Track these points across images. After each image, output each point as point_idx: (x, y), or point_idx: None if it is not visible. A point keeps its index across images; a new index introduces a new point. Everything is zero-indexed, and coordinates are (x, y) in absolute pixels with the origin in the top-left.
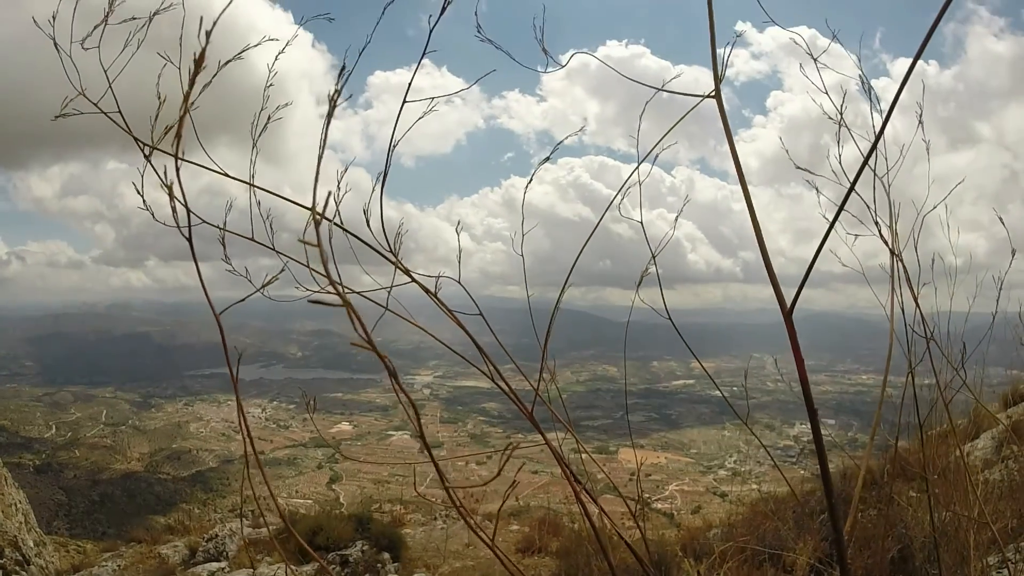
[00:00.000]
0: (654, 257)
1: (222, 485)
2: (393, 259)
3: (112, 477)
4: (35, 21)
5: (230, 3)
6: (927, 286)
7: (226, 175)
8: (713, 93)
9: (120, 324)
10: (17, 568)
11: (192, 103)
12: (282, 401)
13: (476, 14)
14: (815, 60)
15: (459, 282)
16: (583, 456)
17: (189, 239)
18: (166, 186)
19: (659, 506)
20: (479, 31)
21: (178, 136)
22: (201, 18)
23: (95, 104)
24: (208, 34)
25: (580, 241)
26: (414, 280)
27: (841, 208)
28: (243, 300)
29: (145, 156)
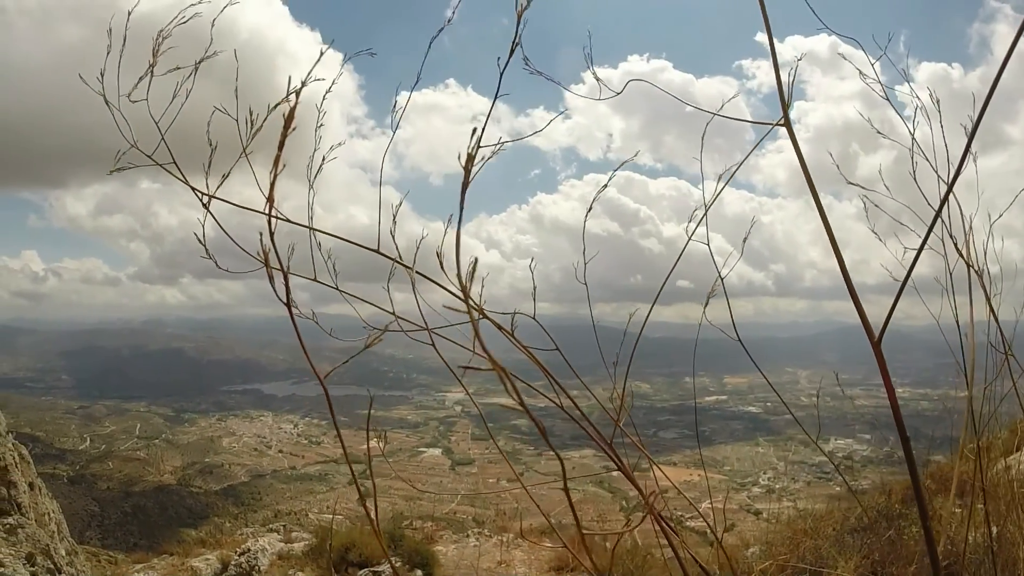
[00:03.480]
0: (720, 278)
1: (253, 499)
2: (470, 301)
3: (145, 489)
4: (82, 78)
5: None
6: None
7: (290, 222)
8: (783, 121)
9: (154, 340)
10: None
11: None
12: (314, 417)
13: (520, 45)
14: (866, 65)
15: (535, 318)
16: (653, 470)
17: (272, 272)
18: (224, 231)
19: (691, 524)
20: (527, 63)
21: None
22: (288, 78)
23: (149, 156)
24: (298, 93)
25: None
26: (486, 317)
27: (930, 231)
28: (346, 363)
29: (204, 205)
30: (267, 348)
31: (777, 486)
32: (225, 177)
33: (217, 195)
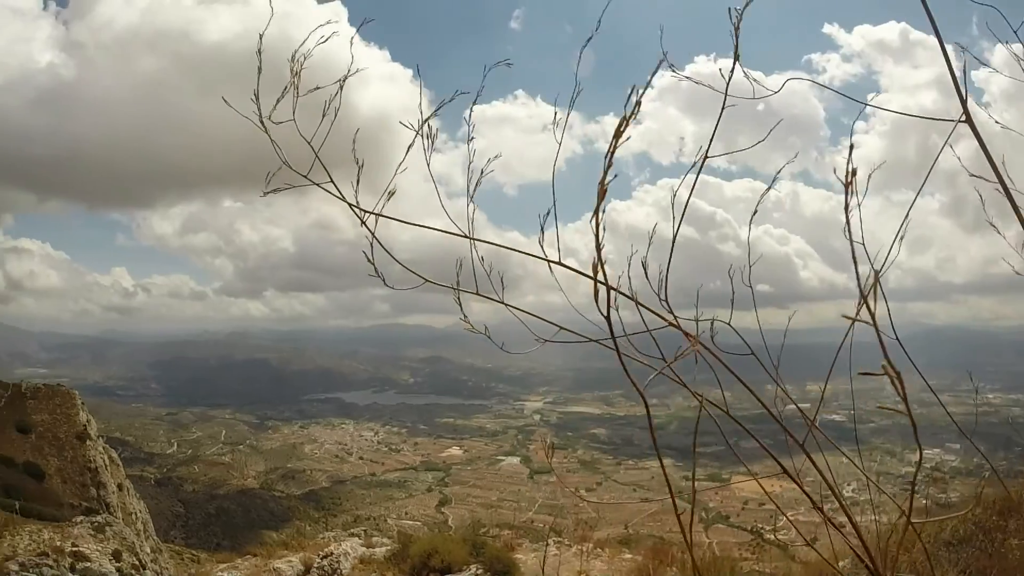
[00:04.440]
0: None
1: (334, 504)
2: (676, 322)
3: (228, 492)
4: (226, 101)
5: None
6: None
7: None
8: (963, 118)
9: (239, 351)
10: (133, 572)
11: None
12: (394, 425)
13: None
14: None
15: (729, 323)
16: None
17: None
18: (375, 239)
19: (771, 537)
20: (673, 70)
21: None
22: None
23: (304, 176)
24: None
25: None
26: (676, 326)
27: None
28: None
29: (363, 222)
30: (348, 358)
31: (861, 498)
32: (391, 194)
33: (377, 212)
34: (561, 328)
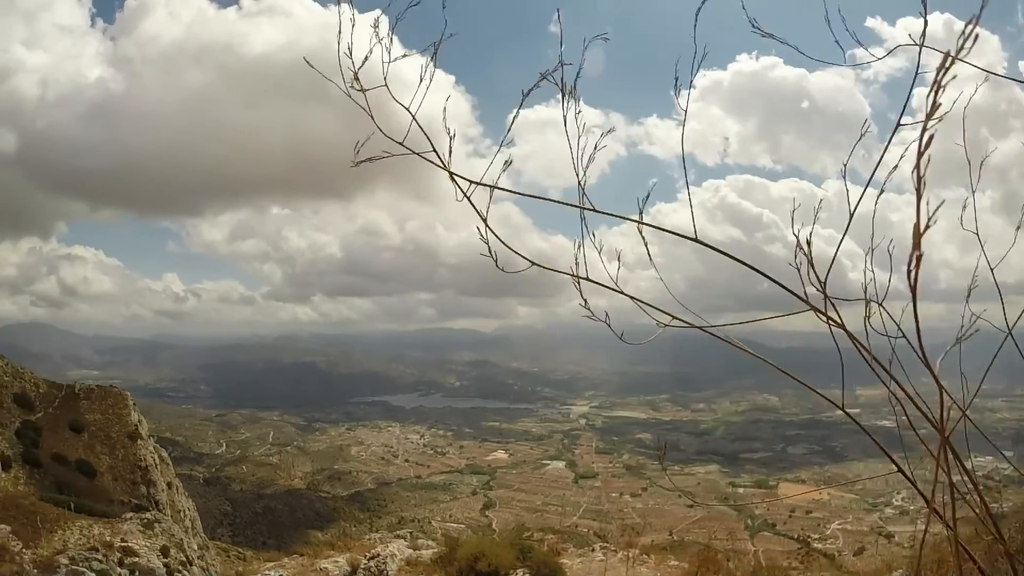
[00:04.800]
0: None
1: (379, 506)
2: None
3: (275, 492)
4: (308, 61)
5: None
6: None
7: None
8: None
9: (287, 354)
10: (180, 568)
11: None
12: (440, 428)
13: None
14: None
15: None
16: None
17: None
18: (490, 231)
19: (820, 546)
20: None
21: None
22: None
23: (399, 142)
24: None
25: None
26: (840, 327)
27: None
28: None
29: (466, 196)
30: (395, 362)
31: (911, 507)
32: (507, 164)
33: (482, 181)
34: (674, 318)
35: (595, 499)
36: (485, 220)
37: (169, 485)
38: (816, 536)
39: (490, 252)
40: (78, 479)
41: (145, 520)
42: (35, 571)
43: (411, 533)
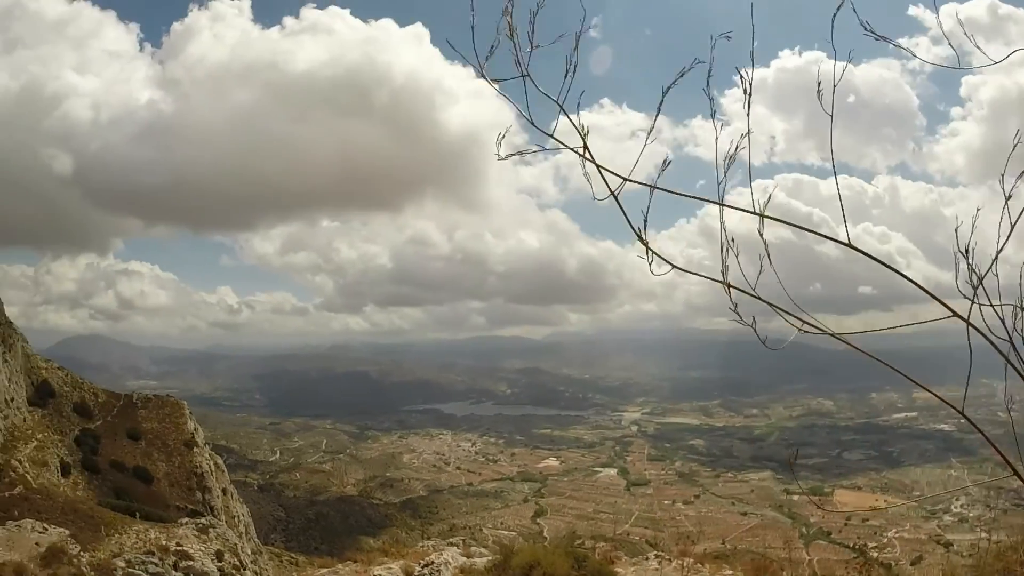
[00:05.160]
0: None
1: (430, 513)
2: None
3: (328, 499)
4: (450, 47)
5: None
6: None
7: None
8: None
9: (340, 363)
10: (234, 572)
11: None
12: (491, 436)
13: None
14: None
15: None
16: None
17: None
18: (650, 252)
19: (876, 555)
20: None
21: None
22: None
23: (550, 134)
24: None
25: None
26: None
27: None
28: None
29: (613, 193)
30: (446, 370)
31: (971, 514)
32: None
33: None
34: (804, 323)
35: (647, 507)
36: (633, 225)
37: (224, 491)
38: (873, 545)
39: (647, 253)
40: (135, 485)
41: (200, 525)
42: (92, 574)
43: (463, 541)
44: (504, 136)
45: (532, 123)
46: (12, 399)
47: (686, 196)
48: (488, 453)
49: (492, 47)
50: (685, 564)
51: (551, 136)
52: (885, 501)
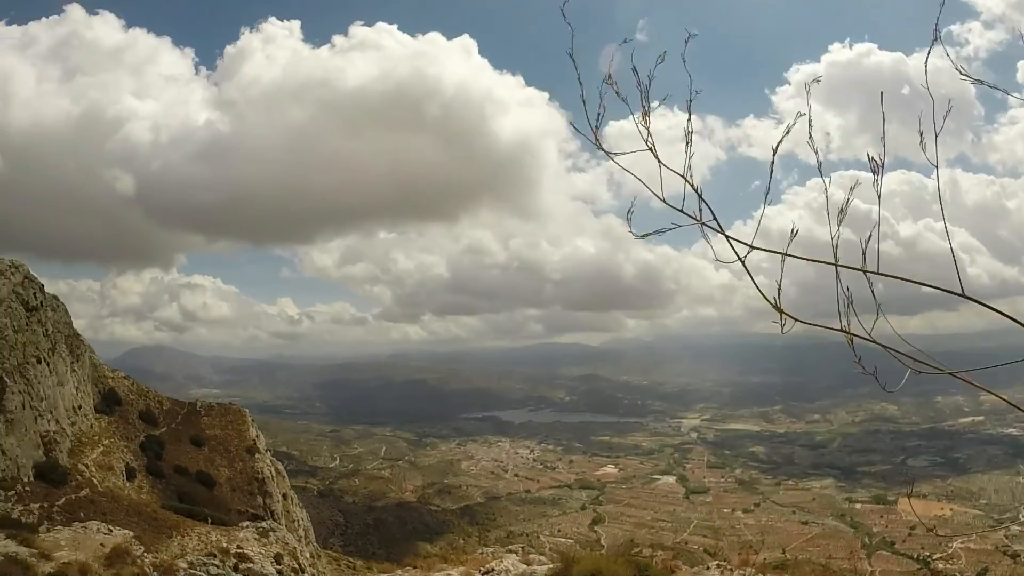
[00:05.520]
0: None
1: (488, 520)
2: None
3: (386, 505)
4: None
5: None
6: None
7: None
8: None
9: (399, 372)
10: (292, 574)
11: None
12: (549, 443)
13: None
14: None
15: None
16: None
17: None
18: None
19: (941, 567)
20: None
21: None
22: None
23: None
24: None
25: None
26: None
27: None
28: None
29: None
30: (504, 378)
31: None
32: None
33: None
34: None
35: (706, 515)
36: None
37: (284, 496)
38: (938, 556)
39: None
40: (198, 489)
41: (261, 528)
42: (155, 574)
43: (523, 548)
44: (632, 209)
45: (664, 201)
46: (80, 407)
47: (808, 260)
48: (546, 460)
49: (599, 116)
50: (747, 573)
51: (681, 211)
52: (952, 509)
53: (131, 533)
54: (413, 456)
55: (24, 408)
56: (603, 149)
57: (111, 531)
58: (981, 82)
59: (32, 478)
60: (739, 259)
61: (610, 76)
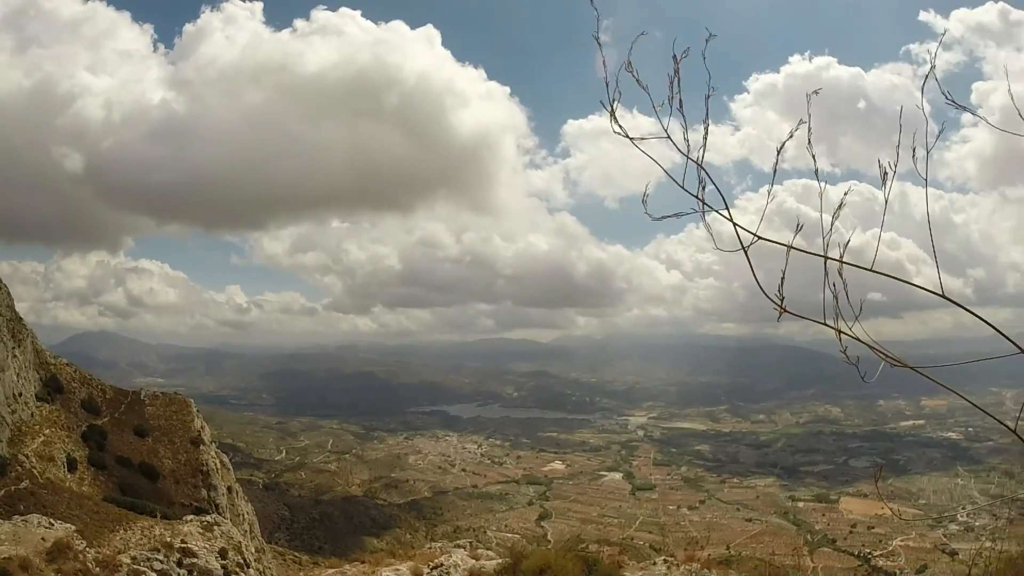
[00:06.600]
0: None
1: (435, 514)
2: None
3: (333, 499)
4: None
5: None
6: None
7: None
8: None
9: (348, 364)
10: (238, 569)
11: None
12: (497, 438)
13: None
14: None
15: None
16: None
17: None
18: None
19: (881, 563)
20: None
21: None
22: None
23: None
24: None
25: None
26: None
27: None
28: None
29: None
30: (453, 373)
31: (977, 523)
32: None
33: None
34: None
35: (652, 511)
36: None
37: (229, 489)
38: (878, 553)
39: (779, 299)
40: (141, 481)
41: (205, 522)
42: (97, 570)
43: (471, 543)
44: (647, 193)
45: (681, 185)
46: (20, 394)
47: (806, 251)
48: (494, 455)
49: (613, 100)
50: (692, 569)
51: (697, 197)
52: (891, 509)
53: (73, 527)
54: (360, 450)
55: None
56: (621, 129)
57: (52, 524)
58: (965, 108)
59: None
60: (743, 248)
61: (629, 63)
